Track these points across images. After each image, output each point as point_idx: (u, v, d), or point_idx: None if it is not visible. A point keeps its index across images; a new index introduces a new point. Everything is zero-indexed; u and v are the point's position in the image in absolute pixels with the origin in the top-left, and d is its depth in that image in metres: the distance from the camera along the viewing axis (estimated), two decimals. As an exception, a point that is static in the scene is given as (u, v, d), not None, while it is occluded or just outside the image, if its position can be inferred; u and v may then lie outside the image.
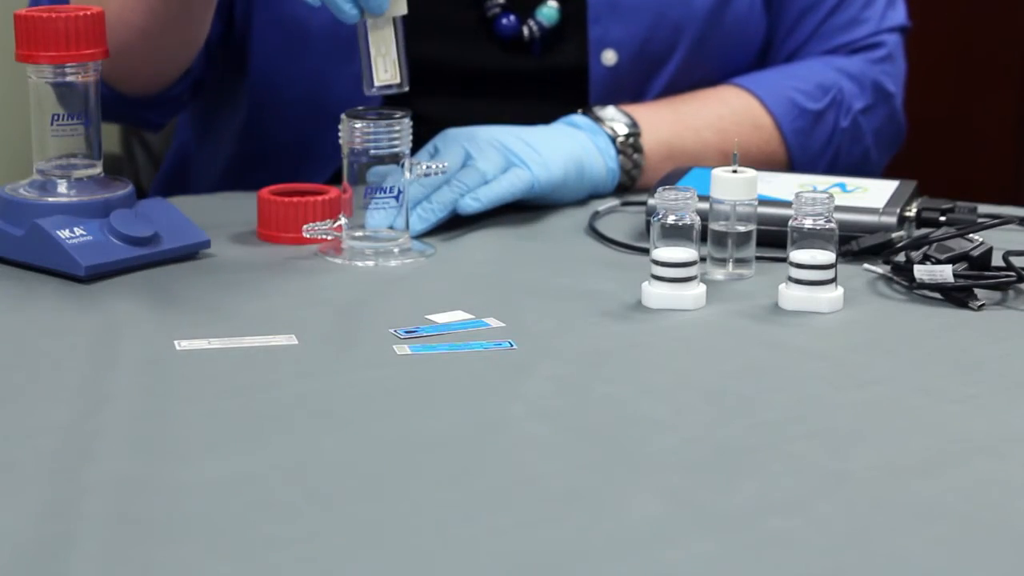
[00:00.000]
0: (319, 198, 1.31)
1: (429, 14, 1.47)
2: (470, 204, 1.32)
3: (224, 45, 1.53)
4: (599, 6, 1.49)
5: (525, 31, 1.50)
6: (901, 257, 1.21)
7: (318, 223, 1.27)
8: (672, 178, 1.37)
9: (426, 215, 1.31)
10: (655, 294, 1.16)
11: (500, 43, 1.50)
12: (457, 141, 1.36)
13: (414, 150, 1.28)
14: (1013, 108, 2.80)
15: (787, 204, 1.21)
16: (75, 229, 1.22)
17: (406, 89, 1.27)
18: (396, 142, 1.25)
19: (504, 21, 1.50)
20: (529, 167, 1.36)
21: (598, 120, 1.44)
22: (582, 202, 1.42)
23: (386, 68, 1.24)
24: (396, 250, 1.27)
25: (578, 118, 1.45)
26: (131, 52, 1.39)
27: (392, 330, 1.11)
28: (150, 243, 1.24)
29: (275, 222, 1.31)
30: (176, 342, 1.08)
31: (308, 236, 1.27)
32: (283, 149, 1.54)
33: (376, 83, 1.25)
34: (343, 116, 1.25)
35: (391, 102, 1.39)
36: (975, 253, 1.18)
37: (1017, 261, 1.17)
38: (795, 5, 1.58)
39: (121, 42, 1.36)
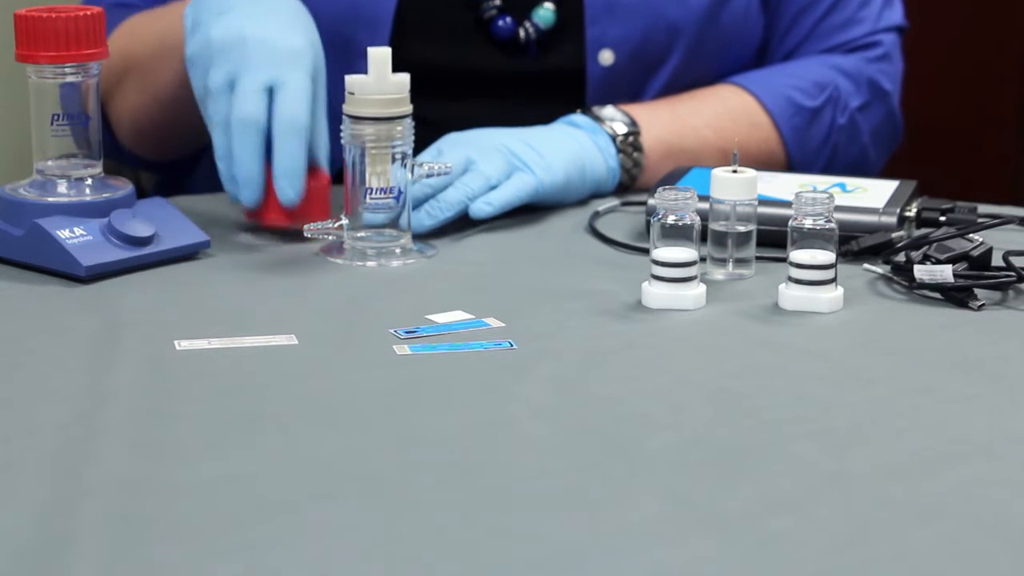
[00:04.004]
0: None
1: (425, 16, 1.47)
2: (483, 209, 1.32)
3: None
4: (596, 7, 1.49)
5: (521, 33, 1.50)
6: (901, 257, 1.21)
7: (319, 223, 1.27)
8: (672, 178, 1.37)
9: (435, 212, 1.31)
10: (655, 294, 1.16)
11: (497, 45, 1.50)
12: (459, 145, 1.36)
13: (414, 151, 1.28)
14: (1013, 109, 2.80)
15: (787, 204, 1.21)
16: (75, 229, 1.22)
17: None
18: (398, 141, 1.25)
19: (501, 23, 1.50)
20: (533, 171, 1.36)
21: (598, 119, 1.44)
22: (582, 202, 1.42)
23: (379, 185, 1.24)
24: (398, 250, 1.27)
25: (578, 118, 1.45)
26: (148, 137, 1.50)
27: (392, 330, 1.11)
28: (150, 243, 1.24)
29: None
30: (176, 342, 1.08)
31: (309, 236, 1.27)
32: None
33: (367, 200, 1.25)
34: (345, 116, 1.25)
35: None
36: (975, 253, 1.18)
37: (1017, 261, 1.17)
38: (792, 5, 1.58)
39: (138, 129, 1.48)
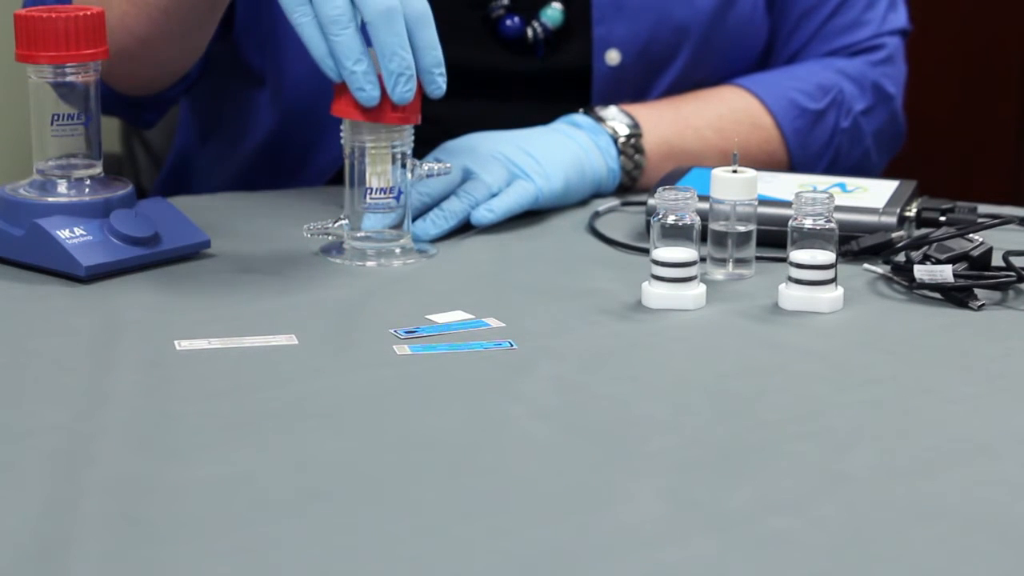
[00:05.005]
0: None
1: (433, 14, 1.47)
2: (485, 216, 1.32)
3: (222, 43, 1.53)
4: (603, 6, 1.49)
5: (529, 32, 1.50)
6: (901, 257, 1.21)
7: (318, 223, 1.26)
8: (672, 178, 1.37)
9: (439, 221, 1.31)
10: (655, 294, 1.16)
11: (504, 44, 1.50)
12: (457, 155, 1.36)
13: (417, 150, 1.28)
14: (1013, 109, 2.80)
15: (787, 204, 1.21)
16: (75, 229, 1.22)
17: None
18: (398, 141, 1.25)
19: (508, 22, 1.50)
20: (532, 179, 1.36)
21: (600, 120, 1.44)
22: (582, 202, 1.42)
23: (379, 185, 1.24)
24: (398, 250, 1.26)
25: (579, 117, 1.44)
26: (131, 57, 1.39)
27: (392, 330, 1.11)
28: (150, 243, 1.24)
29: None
30: (176, 342, 1.08)
31: (308, 236, 1.26)
32: (286, 150, 1.54)
33: (367, 200, 1.25)
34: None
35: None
36: (975, 253, 1.18)
37: (1017, 261, 1.17)
38: (797, 7, 1.58)
39: (121, 47, 1.37)
